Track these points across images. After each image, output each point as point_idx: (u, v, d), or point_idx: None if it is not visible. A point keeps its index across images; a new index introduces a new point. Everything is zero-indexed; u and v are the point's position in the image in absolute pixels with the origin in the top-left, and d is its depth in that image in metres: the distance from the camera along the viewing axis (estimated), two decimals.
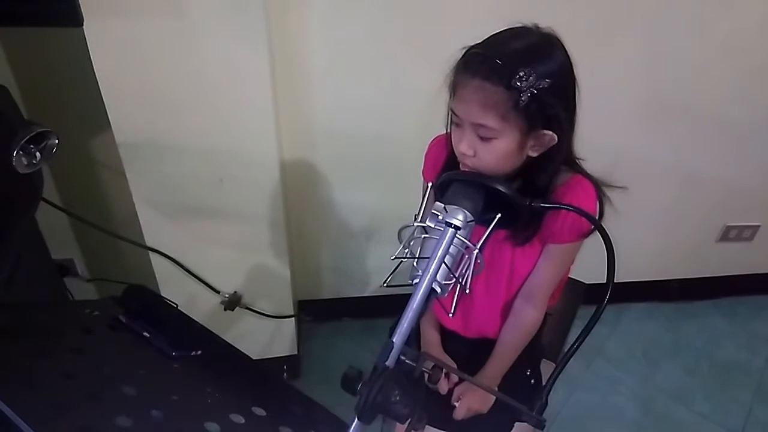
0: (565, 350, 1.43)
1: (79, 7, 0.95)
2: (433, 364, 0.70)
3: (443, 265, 0.73)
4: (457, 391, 1.20)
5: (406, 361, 0.69)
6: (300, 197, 1.85)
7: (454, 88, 0.93)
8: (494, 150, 0.91)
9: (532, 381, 1.28)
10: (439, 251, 0.73)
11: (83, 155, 1.71)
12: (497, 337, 1.22)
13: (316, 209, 1.92)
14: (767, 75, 1.87)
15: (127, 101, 1.34)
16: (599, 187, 1.04)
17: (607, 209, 1.04)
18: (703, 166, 2.06)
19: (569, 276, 1.26)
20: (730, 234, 2.28)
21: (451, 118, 0.97)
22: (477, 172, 0.94)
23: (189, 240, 1.61)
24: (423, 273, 0.72)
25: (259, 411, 0.80)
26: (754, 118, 1.97)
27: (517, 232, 1.06)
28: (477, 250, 0.76)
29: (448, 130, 1.02)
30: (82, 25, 0.98)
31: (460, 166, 0.98)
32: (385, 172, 1.83)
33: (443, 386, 1.19)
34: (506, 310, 1.20)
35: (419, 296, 0.71)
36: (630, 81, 1.78)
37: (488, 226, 0.81)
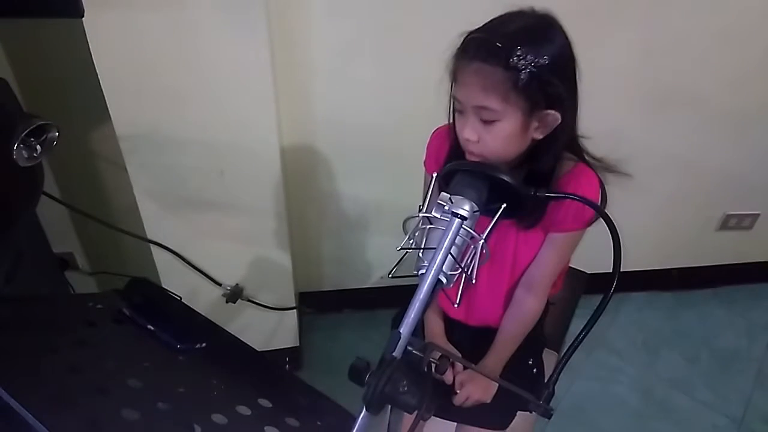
0: (567, 340, 1.44)
1: None
2: (440, 354, 0.70)
3: (449, 255, 0.73)
4: (459, 378, 1.20)
5: (414, 351, 0.69)
6: (301, 188, 1.85)
7: (455, 74, 0.93)
8: (498, 133, 0.91)
9: (534, 370, 1.29)
10: (445, 242, 0.72)
11: (83, 148, 1.70)
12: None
13: (317, 200, 1.92)
14: None
15: (127, 93, 1.33)
16: (601, 178, 1.04)
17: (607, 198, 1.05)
18: (703, 155, 2.06)
19: (570, 265, 1.26)
20: (729, 223, 2.28)
21: (454, 106, 0.97)
22: (481, 162, 0.94)
23: (190, 232, 1.61)
24: (429, 264, 0.72)
25: (265, 402, 0.81)
26: (754, 106, 1.96)
27: (522, 219, 1.06)
28: (483, 240, 0.76)
29: (451, 120, 1.02)
30: (83, 16, 0.97)
31: (466, 154, 0.98)
32: (386, 162, 1.83)
33: (448, 376, 1.20)
34: (509, 298, 1.20)
35: (426, 287, 0.71)
36: (629, 69, 1.78)
37: (492, 216, 0.81)
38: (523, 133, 0.92)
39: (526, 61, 0.84)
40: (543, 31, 0.89)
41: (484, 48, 0.87)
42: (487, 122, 0.91)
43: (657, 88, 1.85)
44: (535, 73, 0.85)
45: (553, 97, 0.89)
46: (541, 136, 0.94)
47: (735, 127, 2.00)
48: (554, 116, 0.91)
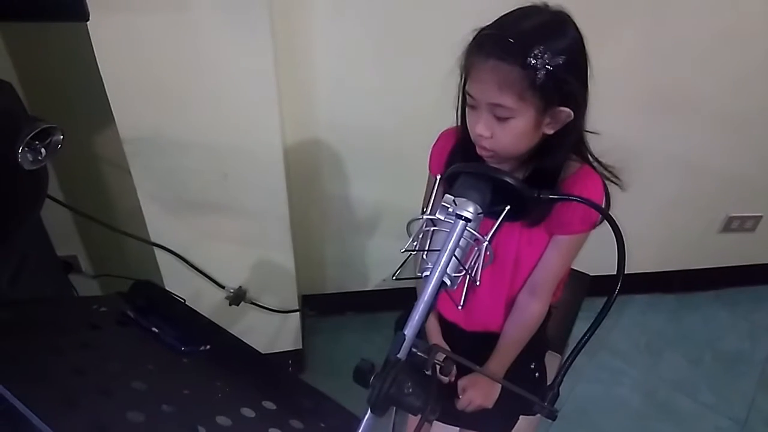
0: (570, 342, 1.44)
1: (86, 1, 0.95)
2: (444, 356, 0.70)
3: (453, 257, 0.73)
4: (461, 382, 1.20)
5: (418, 353, 0.69)
6: (304, 191, 1.85)
7: (468, 70, 0.93)
8: (512, 130, 0.91)
9: (537, 374, 1.28)
10: (450, 244, 0.72)
11: (87, 151, 1.70)
12: (500, 330, 1.22)
13: (320, 203, 1.92)
14: None
15: (131, 96, 1.33)
16: (605, 181, 1.04)
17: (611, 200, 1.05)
18: (706, 157, 2.06)
19: (572, 268, 1.26)
20: (732, 225, 2.27)
21: (467, 101, 0.96)
22: (484, 164, 0.94)
23: (193, 235, 1.61)
24: (434, 266, 0.72)
25: (269, 404, 0.81)
26: (757, 108, 1.96)
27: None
28: (487, 242, 0.76)
29: (458, 117, 1.02)
30: (89, 19, 0.97)
31: (477, 148, 0.98)
32: (389, 165, 1.83)
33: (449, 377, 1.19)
34: (510, 302, 1.20)
35: (431, 289, 0.71)
36: (631, 71, 1.77)
37: (496, 218, 0.81)
38: (536, 129, 0.93)
39: (543, 60, 0.84)
40: (558, 27, 0.89)
41: (500, 45, 0.86)
42: (500, 119, 0.91)
43: (659, 90, 1.85)
44: (551, 72, 0.85)
45: (568, 95, 0.89)
46: (551, 132, 0.95)
47: (737, 129, 2.00)
48: (567, 113, 0.92)
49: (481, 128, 0.93)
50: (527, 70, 0.85)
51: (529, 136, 0.94)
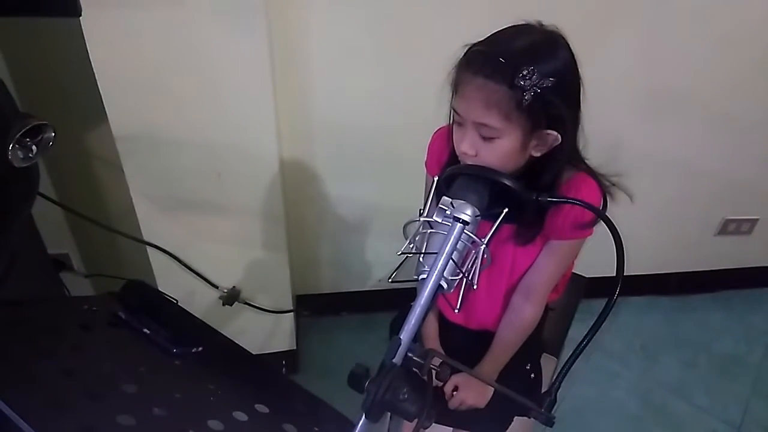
0: (566, 344, 1.43)
1: None
2: (441, 361, 0.69)
3: (450, 260, 0.72)
4: (453, 381, 1.19)
5: (414, 358, 0.68)
6: (299, 191, 1.84)
7: (456, 87, 0.91)
8: (496, 150, 0.90)
9: (532, 375, 1.28)
10: (446, 247, 0.71)
11: (79, 148, 1.69)
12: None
13: (315, 203, 1.91)
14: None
15: (124, 93, 1.32)
16: (602, 185, 1.03)
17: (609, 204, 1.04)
18: (702, 160, 2.05)
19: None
20: (728, 228, 2.27)
21: (453, 117, 0.95)
22: (483, 166, 0.93)
23: (187, 234, 1.60)
24: (430, 269, 0.71)
25: (262, 408, 0.80)
26: (754, 111, 1.96)
27: (522, 230, 1.05)
28: (484, 245, 0.75)
29: (451, 130, 1.01)
30: (80, 15, 0.95)
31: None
32: (384, 165, 1.82)
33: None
34: (507, 302, 1.19)
35: (427, 292, 0.70)
36: (628, 73, 1.77)
37: (493, 221, 0.80)
38: (522, 151, 0.91)
39: (531, 81, 0.82)
40: (550, 49, 0.87)
41: (489, 64, 0.85)
42: (486, 138, 0.89)
43: (656, 93, 1.84)
44: (539, 94, 0.83)
45: (555, 118, 0.88)
46: (538, 154, 0.93)
47: (734, 132, 2.00)
48: (554, 137, 0.90)
49: (465, 146, 0.91)
50: (514, 90, 0.83)
51: (514, 158, 0.92)
